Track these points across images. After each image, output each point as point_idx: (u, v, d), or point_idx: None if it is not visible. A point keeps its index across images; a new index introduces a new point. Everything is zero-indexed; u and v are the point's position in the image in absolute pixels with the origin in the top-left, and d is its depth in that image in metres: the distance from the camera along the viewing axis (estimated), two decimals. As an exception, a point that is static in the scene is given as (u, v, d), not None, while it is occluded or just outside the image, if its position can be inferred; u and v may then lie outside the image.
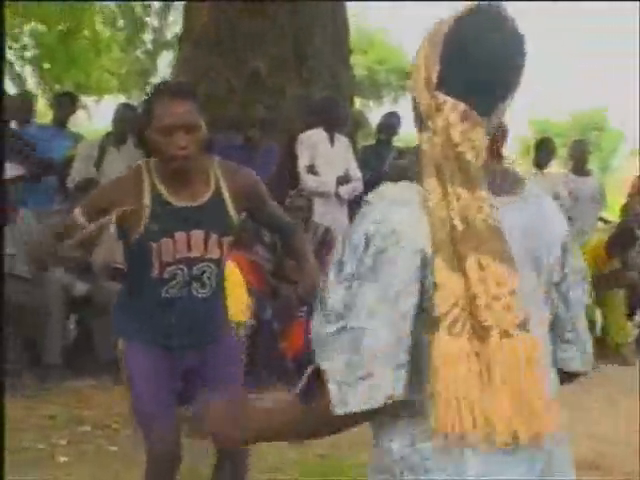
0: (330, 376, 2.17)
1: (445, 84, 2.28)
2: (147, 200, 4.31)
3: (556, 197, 10.78)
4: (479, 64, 2.28)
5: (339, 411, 2.16)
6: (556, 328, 2.48)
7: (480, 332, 2.17)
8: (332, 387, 2.15)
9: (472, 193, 2.22)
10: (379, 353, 2.16)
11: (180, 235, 4.32)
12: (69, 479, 6.37)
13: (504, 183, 2.37)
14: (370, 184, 9.84)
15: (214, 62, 10.72)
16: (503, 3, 2.29)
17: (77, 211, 4.36)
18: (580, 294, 2.52)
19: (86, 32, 24.10)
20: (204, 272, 4.42)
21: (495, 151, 2.44)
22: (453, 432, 2.18)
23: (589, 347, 2.58)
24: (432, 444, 2.23)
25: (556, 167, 12.58)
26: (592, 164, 12.52)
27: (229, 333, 4.85)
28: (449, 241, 2.18)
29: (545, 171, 11.55)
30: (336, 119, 10.18)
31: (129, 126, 9.54)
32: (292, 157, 10.06)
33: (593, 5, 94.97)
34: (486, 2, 2.30)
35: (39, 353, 8.46)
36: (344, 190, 10.02)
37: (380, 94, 44.97)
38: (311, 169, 9.98)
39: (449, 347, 2.15)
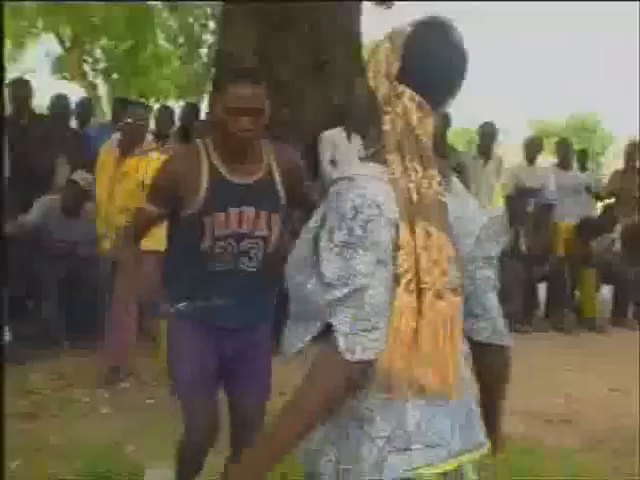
0: (340, 330, 2.26)
1: (403, 79, 2.46)
2: (205, 176, 4.21)
3: (544, 187, 11.31)
4: (433, 68, 2.48)
5: (349, 357, 2.25)
6: (466, 304, 2.56)
7: (419, 291, 2.32)
8: (341, 338, 2.25)
9: (425, 170, 2.38)
10: (380, 308, 2.28)
11: (233, 211, 4.21)
12: (110, 427, 6.48)
13: (442, 172, 2.48)
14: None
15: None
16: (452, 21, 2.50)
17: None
18: (487, 275, 2.66)
19: (150, 47, 24.71)
20: (252, 248, 4.28)
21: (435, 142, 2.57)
22: (394, 382, 2.35)
23: (500, 323, 2.69)
24: (379, 397, 2.38)
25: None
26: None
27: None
28: (407, 209, 2.33)
29: (535, 166, 11.91)
30: (354, 120, 10.29)
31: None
32: (310, 153, 10.10)
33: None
34: (441, 17, 2.52)
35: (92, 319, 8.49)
36: None
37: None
38: (332, 162, 10.17)
39: (402, 302, 2.30)
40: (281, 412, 2.35)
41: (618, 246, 11.49)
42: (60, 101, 10.72)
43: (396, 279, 2.30)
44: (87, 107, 11.86)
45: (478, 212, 2.66)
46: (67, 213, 8.71)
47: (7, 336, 7.91)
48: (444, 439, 2.44)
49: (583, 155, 12.99)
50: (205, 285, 4.32)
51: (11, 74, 26.23)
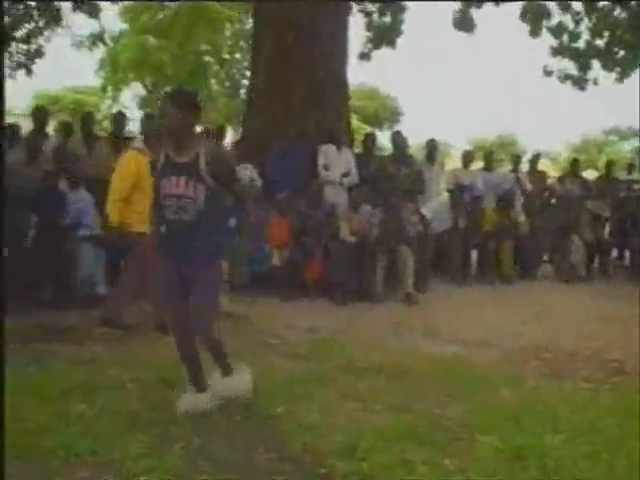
0: None
1: None
2: (162, 157, 4.63)
3: (473, 185, 11.33)
4: None
5: None
6: None
7: None
8: None
9: None
10: None
11: (174, 178, 4.54)
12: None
13: None
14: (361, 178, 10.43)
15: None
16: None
17: None
18: None
19: (205, 89, 24.83)
20: (187, 204, 4.51)
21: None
22: None
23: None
24: None
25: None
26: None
27: (214, 264, 4.77)
28: None
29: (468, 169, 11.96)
30: (338, 139, 10.52)
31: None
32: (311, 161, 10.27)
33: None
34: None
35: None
36: (346, 181, 10.12)
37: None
38: (325, 167, 10.12)
39: None
40: None
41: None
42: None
43: None
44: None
45: None
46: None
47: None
48: None
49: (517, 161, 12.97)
50: (165, 229, 4.66)
51: (114, 109, 26.66)
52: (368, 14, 14.86)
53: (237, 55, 27.21)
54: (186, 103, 4.60)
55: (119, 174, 6.83)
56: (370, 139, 11.48)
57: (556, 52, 14.82)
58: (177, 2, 23.04)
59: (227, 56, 27.31)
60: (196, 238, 4.59)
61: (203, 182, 4.55)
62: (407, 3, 14.75)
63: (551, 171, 16.79)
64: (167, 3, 24.08)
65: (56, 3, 13.58)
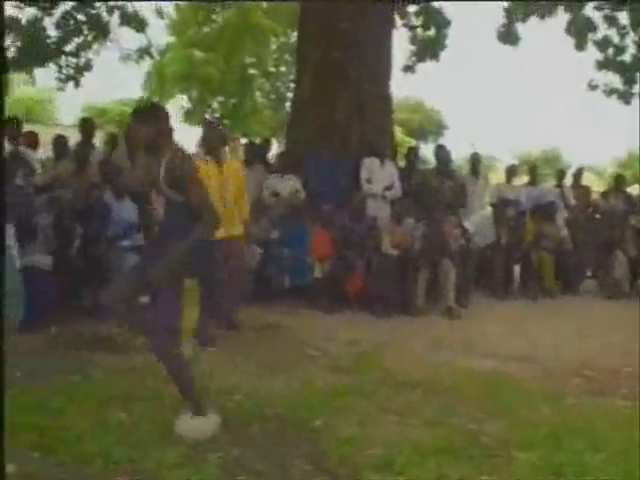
0: None
1: None
2: None
3: (517, 199, 11.26)
4: None
5: None
6: None
7: None
8: None
9: None
10: None
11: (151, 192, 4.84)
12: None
13: None
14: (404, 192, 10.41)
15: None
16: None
17: None
18: None
19: (250, 102, 25.11)
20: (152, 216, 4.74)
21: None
22: None
23: None
24: None
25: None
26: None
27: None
28: None
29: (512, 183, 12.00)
30: (382, 152, 10.50)
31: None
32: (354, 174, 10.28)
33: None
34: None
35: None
36: (389, 194, 10.10)
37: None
38: (368, 180, 10.14)
39: None
40: None
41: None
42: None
43: None
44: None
45: None
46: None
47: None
48: None
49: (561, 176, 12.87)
50: None
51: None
52: (412, 28, 14.87)
53: (282, 68, 27.39)
54: (148, 116, 4.44)
55: None
56: (413, 152, 11.47)
57: (601, 66, 14.70)
58: (224, 10, 23.32)
59: (272, 69, 27.49)
60: (155, 252, 4.36)
61: (162, 194, 4.44)
62: (451, 17, 14.73)
63: (596, 186, 16.59)
64: (214, 17, 24.38)
65: (104, 18, 13.78)
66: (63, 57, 13.73)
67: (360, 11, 10.81)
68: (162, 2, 17.03)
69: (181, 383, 4.42)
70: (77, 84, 14.13)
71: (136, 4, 14.20)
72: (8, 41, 13.18)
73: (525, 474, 4.04)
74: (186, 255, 4.23)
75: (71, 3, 13.44)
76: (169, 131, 4.46)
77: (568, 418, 5.02)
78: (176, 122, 28.03)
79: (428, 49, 14.84)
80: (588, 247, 11.26)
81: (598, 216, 12.19)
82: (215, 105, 28.10)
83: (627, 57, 14.61)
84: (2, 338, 4.35)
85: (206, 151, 7.16)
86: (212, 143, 7.12)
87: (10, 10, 12.11)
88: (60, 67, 13.82)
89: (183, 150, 4.50)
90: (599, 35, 14.55)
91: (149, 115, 4.46)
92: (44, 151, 10.27)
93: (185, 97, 28.65)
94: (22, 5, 13.05)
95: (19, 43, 13.23)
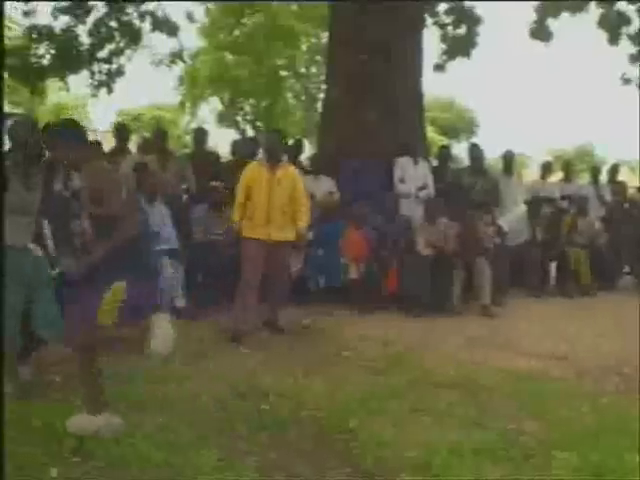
0: None
1: None
2: None
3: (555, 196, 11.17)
4: None
5: None
6: None
7: None
8: None
9: None
10: None
11: None
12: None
13: None
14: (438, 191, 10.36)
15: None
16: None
17: None
18: None
19: (281, 104, 25.18)
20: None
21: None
22: None
23: None
24: None
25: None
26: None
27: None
28: None
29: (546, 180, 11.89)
30: (414, 152, 10.35)
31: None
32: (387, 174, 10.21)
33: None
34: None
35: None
36: (422, 194, 10.00)
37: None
38: (401, 180, 10.08)
39: None
40: None
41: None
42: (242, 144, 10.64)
43: None
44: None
45: None
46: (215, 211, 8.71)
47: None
48: None
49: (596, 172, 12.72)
50: None
51: (192, 125, 27.22)
52: (443, 26, 14.78)
53: (313, 69, 27.42)
54: (67, 135, 4.38)
55: (240, 182, 7.42)
56: (445, 152, 11.42)
57: (635, 59, 14.49)
58: (254, 13, 23.48)
59: (303, 70, 27.55)
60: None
61: (84, 209, 4.46)
62: (482, 15, 14.61)
63: (630, 181, 16.38)
64: (244, 20, 24.52)
65: (136, 24, 13.87)
66: (96, 64, 13.83)
67: (390, 11, 10.74)
68: (192, 2, 17.00)
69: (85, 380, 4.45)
70: (110, 90, 14.22)
71: (167, 9, 14.30)
72: (42, 49, 13.35)
73: (564, 474, 3.99)
74: (110, 258, 4.33)
75: (103, 10, 13.53)
76: (86, 146, 4.49)
77: (607, 417, 4.97)
78: (209, 125, 28.20)
79: (459, 47, 14.73)
80: (626, 243, 11.13)
81: (635, 211, 12.05)
82: (247, 107, 28.30)
83: (661, 51, 14.39)
84: (2, 340, 4.43)
85: (267, 157, 7.47)
86: (272, 149, 7.45)
87: (45, 19, 12.27)
88: (93, 73, 13.92)
89: (102, 163, 4.60)
90: (633, 28, 14.33)
91: (63, 133, 4.43)
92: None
93: (217, 100, 28.85)
94: (57, 14, 13.18)
95: (53, 51, 13.36)
